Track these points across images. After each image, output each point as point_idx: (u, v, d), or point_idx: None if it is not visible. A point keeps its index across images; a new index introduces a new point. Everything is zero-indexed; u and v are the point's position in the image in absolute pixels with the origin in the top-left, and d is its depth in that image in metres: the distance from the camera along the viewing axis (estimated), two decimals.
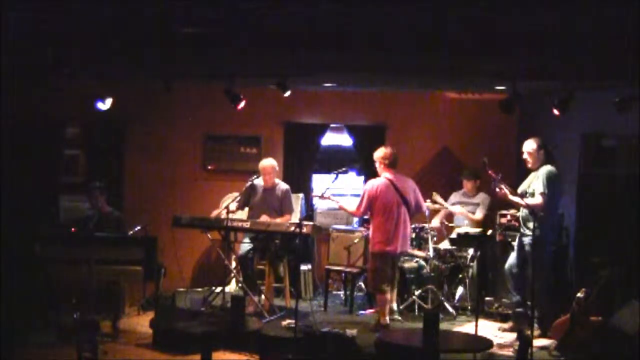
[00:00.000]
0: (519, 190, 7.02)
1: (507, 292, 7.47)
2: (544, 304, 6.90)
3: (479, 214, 8.08)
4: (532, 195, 6.92)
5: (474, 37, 5.16)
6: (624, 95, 6.57)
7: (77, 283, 6.77)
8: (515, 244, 7.26)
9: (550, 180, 6.88)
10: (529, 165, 7.11)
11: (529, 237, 6.92)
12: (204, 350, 5.71)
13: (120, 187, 8.96)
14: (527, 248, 6.96)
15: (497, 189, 6.97)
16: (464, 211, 8.02)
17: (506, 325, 7.27)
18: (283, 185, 7.96)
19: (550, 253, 7.09)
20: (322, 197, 7.44)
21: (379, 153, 7.35)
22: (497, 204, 7.84)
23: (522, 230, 7.11)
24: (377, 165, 7.39)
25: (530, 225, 6.86)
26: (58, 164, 9.03)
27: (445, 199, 8.41)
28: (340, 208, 7.61)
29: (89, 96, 8.01)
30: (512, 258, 7.21)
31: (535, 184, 6.94)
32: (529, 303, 6.90)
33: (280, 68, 6.96)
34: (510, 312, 7.47)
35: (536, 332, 6.80)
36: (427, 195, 8.18)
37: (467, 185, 8.25)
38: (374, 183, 7.25)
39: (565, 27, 4.83)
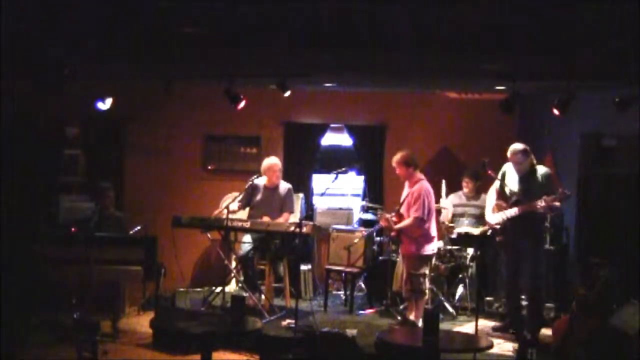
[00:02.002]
0: (507, 192, 6.95)
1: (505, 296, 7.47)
2: (539, 301, 6.91)
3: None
4: (537, 197, 6.80)
5: (474, 37, 5.15)
6: (624, 95, 6.57)
7: (77, 283, 6.77)
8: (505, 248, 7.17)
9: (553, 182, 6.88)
10: (519, 172, 6.93)
11: (526, 241, 6.86)
12: (204, 350, 5.71)
13: (120, 187, 8.96)
14: (527, 246, 6.87)
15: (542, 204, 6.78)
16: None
17: (499, 325, 7.24)
18: (286, 185, 7.97)
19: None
20: (382, 219, 7.38)
21: (406, 157, 7.18)
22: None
23: (514, 233, 6.95)
24: (403, 169, 7.18)
25: (533, 225, 6.83)
26: (58, 164, 9.03)
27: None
28: (404, 228, 7.18)
29: (89, 96, 8.01)
30: (510, 265, 7.11)
31: (541, 186, 6.81)
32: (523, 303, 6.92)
33: (280, 68, 6.96)
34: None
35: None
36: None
37: (469, 185, 8.19)
38: (426, 186, 7.16)
39: (565, 27, 4.83)
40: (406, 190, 7.31)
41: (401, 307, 7.68)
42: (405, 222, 7.12)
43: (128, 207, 8.72)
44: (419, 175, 7.25)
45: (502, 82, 7.42)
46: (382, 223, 7.39)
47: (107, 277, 6.79)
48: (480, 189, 8.19)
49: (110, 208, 7.68)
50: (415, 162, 7.24)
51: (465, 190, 8.26)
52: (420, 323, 7.12)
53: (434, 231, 7.20)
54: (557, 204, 6.76)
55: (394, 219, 7.22)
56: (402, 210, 7.22)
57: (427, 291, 7.27)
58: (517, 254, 6.94)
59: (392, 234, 7.27)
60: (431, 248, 7.17)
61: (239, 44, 5.65)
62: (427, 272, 7.21)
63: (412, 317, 7.29)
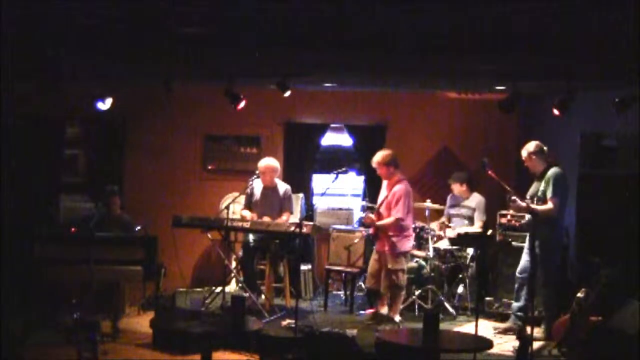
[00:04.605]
0: (528, 195, 6.96)
1: (512, 294, 7.45)
2: (553, 307, 6.88)
3: (478, 222, 8.13)
4: (542, 199, 6.82)
5: (474, 37, 5.15)
6: (624, 95, 6.56)
7: (77, 283, 6.77)
8: (525, 247, 7.15)
9: (560, 184, 6.84)
10: (531, 170, 7.07)
11: (539, 241, 6.85)
12: (204, 350, 5.71)
13: (120, 187, 8.95)
14: (537, 251, 6.87)
15: (510, 204, 6.90)
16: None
17: (502, 326, 7.24)
18: (284, 185, 7.97)
19: (558, 254, 7.08)
20: (366, 217, 7.42)
21: (387, 157, 7.32)
22: (497, 204, 7.84)
23: (532, 232, 6.99)
24: (384, 169, 7.33)
25: (542, 228, 6.80)
26: (58, 164, 9.03)
27: (443, 199, 8.46)
28: (383, 226, 7.32)
29: (89, 96, 8.01)
30: (524, 262, 7.08)
31: (544, 188, 6.84)
32: (548, 310, 6.89)
33: (280, 68, 6.96)
34: (509, 312, 7.48)
35: (542, 335, 6.82)
36: (427, 195, 8.29)
37: (454, 189, 8.33)
38: (406, 186, 7.35)
39: (565, 27, 4.83)
40: (384, 190, 7.45)
41: (401, 306, 7.69)
42: (387, 220, 7.29)
43: (128, 207, 8.70)
44: (400, 175, 7.39)
45: (502, 82, 7.42)
46: (366, 220, 7.48)
47: (107, 277, 6.78)
48: (474, 189, 8.28)
49: (117, 211, 7.69)
50: (396, 161, 7.38)
51: (456, 192, 8.33)
52: (397, 318, 7.33)
53: (410, 230, 7.44)
54: (522, 204, 6.77)
55: (373, 217, 7.39)
56: (382, 209, 7.36)
57: (404, 286, 7.39)
58: (533, 259, 6.93)
59: (371, 231, 7.44)
60: (408, 245, 7.41)
61: (239, 44, 5.65)
62: (404, 267, 7.36)
63: (384, 310, 7.35)
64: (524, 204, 6.80)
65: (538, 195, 6.86)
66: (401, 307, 7.59)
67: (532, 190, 7.01)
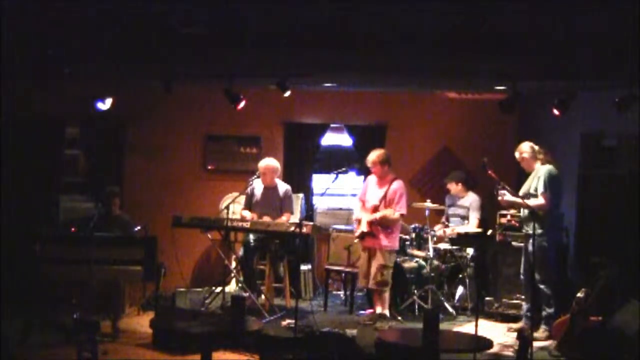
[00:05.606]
0: (521, 192, 7.00)
1: (512, 294, 7.46)
2: (552, 306, 6.89)
3: (474, 221, 8.15)
4: (535, 196, 6.89)
5: (474, 37, 5.16)
6: (624, 95, 6.56)
7: (77, 283, 6.77)
8: (522, 247, 7.18)
9: (550, 179, 6.87)
10: (526, 169, 7.12)
11: (534, 239, 6.87)
12: (204, 350, 5.71)
13: (120, 187, 8.94)
14: (530, 249, 6.91)
15: (499, 197, 6.98)
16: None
17: (515, 326, 7.23)
18: (284, 185, 7.97)
19: (555, 253, 7.08)
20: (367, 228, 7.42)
21: (382, 156, 7.42)
22: (496, 203, 7.84)
23: (525, 232, 7.06)
24: (379, 168, 7.41)
25: (535, 226, 6.83)
26: (58, 164, 9.02)
27: (443, 200, 8.47)
28: (388, 221, 7.38)
29: (89, 96, 8.01)
30: (523, 263, 7.13)
31: (536, 184, 6.92)
32: (548, 309, 6.90)
33: (280, 68, 6.96)
34: (514, 312, 7.49)
35: (545, 334, 6.82)
36: (427, 195, 8.29)
37: (451, 188, 8.39)
38: (403, 184, 7.48)
39: (565, 27, 4.83)
40: (374, 187, 7.49)
41: (401, 307, 7.69)
42: (393, 216, 7.33)
43: (128, 207, 8.71)
44: (392, 173, 7.47)
45: (502, 82, 7.43)
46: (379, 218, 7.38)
47: (107, 277, 6.78)
48: (470, 188, 8.30)
49: (117, 211, 7.70)
50: (389, 160, 7.48)
51: (452, 191, 8.35)
52: (387, 312, 7.38)
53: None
54: (511, 198, 6.92)
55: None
56: (381, 207, 7.37)
57: (390, 282, 7.41)
58: (527, 256, 6.97)
59: (366, 228, 7.38)
60: (398, 244, 7.55)
61: (239, 44, 5.65)
62: (392, 265, 7.43)
63: (379, 309, 7.34)
64: (513, 198, 6.92)
65: (530, 193, 6.92)
66: (401, 305, 7.61)
67: (525, 187, 7.04)
